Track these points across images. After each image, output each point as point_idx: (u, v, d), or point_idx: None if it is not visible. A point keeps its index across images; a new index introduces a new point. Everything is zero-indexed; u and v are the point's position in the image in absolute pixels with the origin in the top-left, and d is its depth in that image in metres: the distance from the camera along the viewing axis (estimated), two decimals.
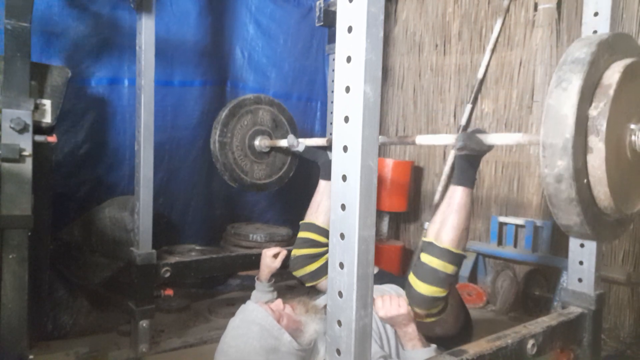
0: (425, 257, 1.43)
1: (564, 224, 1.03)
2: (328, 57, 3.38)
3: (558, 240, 2.89)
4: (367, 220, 0.83)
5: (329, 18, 2.71)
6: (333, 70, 1.48)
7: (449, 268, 1.40)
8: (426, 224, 3.46)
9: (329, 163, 1.97)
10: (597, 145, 0.96)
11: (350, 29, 0.83)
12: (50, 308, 2.25)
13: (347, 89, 0.84)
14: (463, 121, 3.34)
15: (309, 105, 3.68)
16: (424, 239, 1.48)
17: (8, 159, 1.66)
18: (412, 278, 1.45)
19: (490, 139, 1.38)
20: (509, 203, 3.18)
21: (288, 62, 3.52)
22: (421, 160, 3.69)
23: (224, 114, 2.41)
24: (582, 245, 1.56)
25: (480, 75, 3.27)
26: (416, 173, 3.65)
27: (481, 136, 1.37)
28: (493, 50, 3.23)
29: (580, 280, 1.57)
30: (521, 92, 3.12)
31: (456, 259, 1.42)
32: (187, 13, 3.03)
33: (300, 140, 2.27)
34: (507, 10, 3.18)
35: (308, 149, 2.22)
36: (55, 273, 2.36)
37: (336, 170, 0.86)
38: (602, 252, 1.61)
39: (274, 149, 2.58)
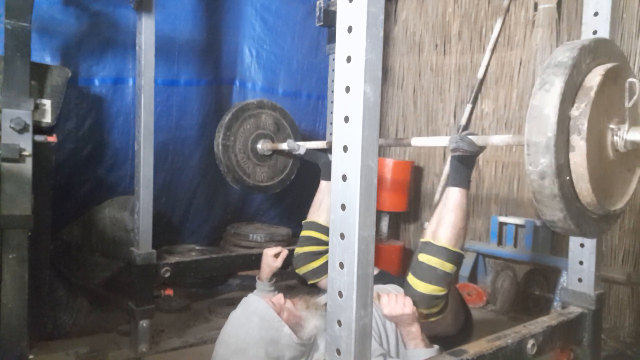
0: (423, 257, 1.44)
1: (549, 220, 1.06)
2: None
3: (558, 240, 2.89)
4: (367, 220, 0.83)
5: (329, 18, 2.71)
6: (333, 70, 1.48)
7: (447, 266, 1.41)
8: (426, 224, 3.44)
9: (329, 164, 1.99)
10: (579, 144, 1.00)
11: (350, 29, 0.83)
12: (50, 308, 2.25)
13: (347, 89, 0.84)
14: (463, 121, 3.34)
15: (320, 103, 3.64)
16: (421, 240, 1.50)
17: (8, 159, 1.67)
18: (410, 278, 1.46)
19: (482, 140, 1.42)
20: (509, 203, 3.18)
21: (296, 60, 3.48)
22: (421, 160, 3.69)
23: (227, 117, 2.45)
24: (582, 245, 1.56)
25: (480, 75, 3.27)
26: (416, 173, 3.65)
27: (473, 137, 1.42)
28: (493, 50, 3.23)
29: (580, 280, 1.57)
30: (521, 92, 3.12)
31: (454, 257, 1.43)
32: (192, 11, 3.00)
33: (301, 143, 2.33)
34: (507, 10, 3.18)
35: (309, 151, 2.27)
36: (55, 273, 2.36)
37: (336, 170, 0.86)
38: (602, 252, 1.61)
39: (276, 152, 2.61)
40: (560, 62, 1.01)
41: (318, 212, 2.04)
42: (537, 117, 0.99)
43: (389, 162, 3.36)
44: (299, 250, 2.01)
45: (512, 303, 2.92)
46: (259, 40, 3.33)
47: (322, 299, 1.66)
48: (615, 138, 1.08)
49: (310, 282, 2.00)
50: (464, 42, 3.42)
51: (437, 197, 3.44)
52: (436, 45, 3.60)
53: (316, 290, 2.02)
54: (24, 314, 1.71)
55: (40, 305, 2.12)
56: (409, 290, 1.46)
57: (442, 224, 1.45)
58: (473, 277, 3.15)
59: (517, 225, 3.05)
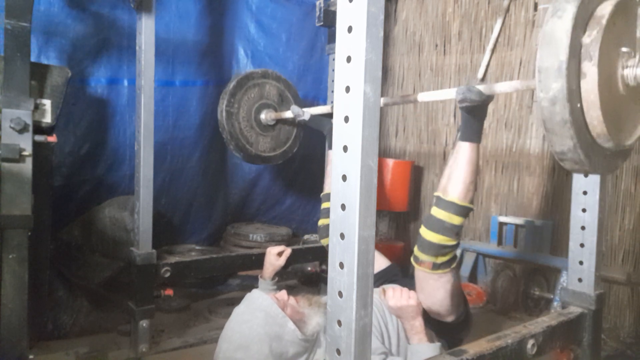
0: (434, 210, 1.50)
1: (558, 150, 1.06)
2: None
3: (558, 240, 2.89)
4: (367, 220, 0.83)
5: (329, 18, 2.71)
6: (333, 70, 1.48)
7: (454, 219, 1.46)
8: None
9: None
10: (591, 70, 1.00)
11: (350, 29, 0.83)
12: (50, 308, 2.25)
13: (347, 89, 0.84)
14: None
15: (315, 104, 3.65)
16: (434, 194, 1.55)
17: (8, 159, 1.67)
18: (422, 229, 1.51)
19: (490, 88, 1.43)
20: (509, 203, 3.18)
21: (292, 61, 3.51)
22: (421, 160, 3.69)
23: (231, 85, 2.46)
24: (582, 245, 1.56)
25: (480, 75, 3.27)
26: (416, 173, 3.65)
27: (480, 86, 1.43)
28: (493, 50, 3.23)
29: (580, 280, 1.57)
30: (521, 92, 3.12)
31: (462, 211, 1.47)
32: (188, 13, 3.02)
33: (305, 109, 2.30)
34: (507, 10, 3.17)
35: (313, 117, 2.25)
36: (55, 273, 2.36)
37: (336, 170, 0.86)
38: (602, 252, 1.61)
39: (280, 122, 2.62)
40: None
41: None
42: (549, 42, 0.99)
43: (389, 162, 3.36)
44: (322, 222, 2.11)
45: (512, 303, 2.92)
46: (253, 42, 3.35)
47: (324, 297, 1.67)
48: (626, 71, 1.08)
49: None
50: (464, 42, 3.42)
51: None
52: (436, 45, 3.60)
53: (316, 289, 2.03)
54: (24, 314, 1.71)
55: (40, 305, 2.12)
56: (419, 240, 1.50)
57: (452, 178, 1.48)
58: (473, 277, 3.15)
59: (517, 225, 3.05)
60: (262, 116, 2.55)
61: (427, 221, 1.51)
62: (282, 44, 3.46)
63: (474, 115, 1.48)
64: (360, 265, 0.83)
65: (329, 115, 2.21)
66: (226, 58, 3.26)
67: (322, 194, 2.20)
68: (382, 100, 1.74)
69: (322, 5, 2.74)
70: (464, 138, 1.49)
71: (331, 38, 2.96)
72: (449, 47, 3.52)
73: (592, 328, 1.54)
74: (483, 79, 3.28)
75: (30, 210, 1.72)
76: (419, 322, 1.49)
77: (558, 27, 0.99)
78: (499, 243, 3.12)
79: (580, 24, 1.01)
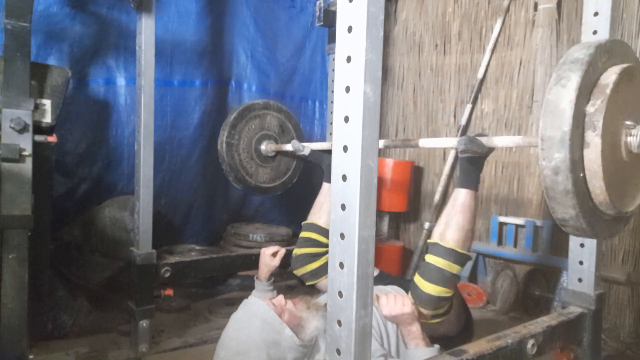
0: (430, 258, 1.45)
1: (560, 218, 1.05)
2: (328, 57, 3.39)
3: (558, 240, 2.89)
4: (367, 220, 0.83)
5: (329, 18, 2.71)
6: (333, 70, 1.48)
7: (454, 268, 1.42)
8: (426, 224, 3.46)
9: None
10: (594, 140, 0.99)
11: (350, 29, 0.83)
12: (50, 308, 2.25)
13: (347, 89, 0.84)
14: (463, 121, 3.34)
15: (302, 104, 3.69)
16: (428, 241, 1.50)
17: (8, 159, 1.67)
18: (417, 279, 1.46)
19: (492, 141, 1.41)
20: (509, 203, 3.18)
21: (281, 63, 3.55)
22: (421, 160, 3.69)
23: (232, 116, 2.45)
24: (582, 245, 1.56)
25: (480, 75, 3.27)
26: (416, 173, 3.65)
27: (482, 139, 1.41)
28: (493, 50, 3.23)
29: (580, 280, 1.57)
30: (521, 92, 3.12)
31: (461, 259, 1.43)
32: (187, 13, 3.02)
33: (305, 144, 2.30)
34: (507, 10, 3.18)
35: (313, 152, 2.23)
36: (55, 273, 2.36)
37: (336, 170, 0.86)
38: (602, 252, 1.61)
39: (280, 154, 2.61)
40: (577, 58, 1.01)
41: (319, 213, 2.03)
42: (553, 111, 0.99)
43: (389, 162, 3.36)
44: (297, 251, 1.99)
45: (512, 303, 2.92)
46: (252, 42, 3.37)
47: (322, 299, 1.66)
48: (630, 138, 1.07)
49: (308, 283, 1.99)
50: (464, 42, 3.42)
51: (437, 197, 3.44)
52: (436, 45, 3.60)
53: (316, 290, 2.02)
54: (24, 314, 1.71)
55: (40, 305, 2.12)
56: (415, 292, 1.45)
57: (450, 225, 1.44)
58: (473, 277, 3.15)
59: (517, 225, 3.05)
60: (263, 147, 2.54)
61: (424, 271, 1.45)
62: (274, 45, 3.49)
63: (474, 165, 1.47)
64: (360, 265, 0.83)
65: (329, 151, 2.20)
66: (226, 58, 3.27)
67: (304, 222, 2.08)
68: (382, 143, 1.73)
69: (322, 5, 2.74)
70: (462, 185, 1.48)
71: (331, 38, 2.96)
72: (449, 47, 3.52)
73: (592, 328, 1.54)
74: (483, 79, 3.28)
75: (30, 210, 1.72)
76: (415, 327, 1.45)
77: (562, 96, 0.98)
78: (499, 243, 3.11)
79: (584, 92, 1.00)
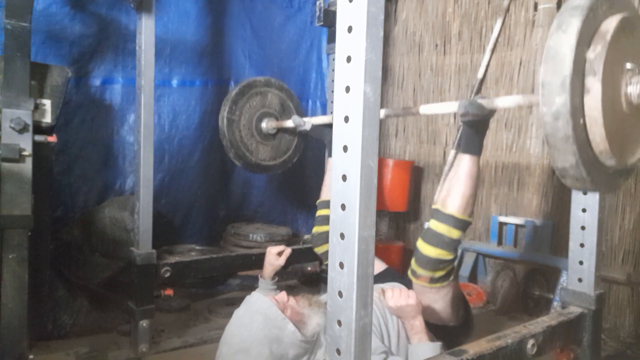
0: (432, 223, 1.50)
1: (560, 166, 1.05)
2: (328, 57, 3.39)
3: (558, 240, 2.89)
4: (367, 220, 0.83)
5: (329, 18, 2.71)
6: (333, 70, 1.48)
7: (453, 233, 1.46)
8: (426, 224, 3.45)
9: None
10: (595, 86, 0.99)
11: (350, 29, 0.83)
12: (50, 308, 2.25)
13: (347, 89, 0.84)
14: None
15: (301, 104, 3.68)
16: (432, 206, 1.54)
17: (8, 159, 1.67)
18: (419, 242, 1.51)
19: (493, 102, 1.42)
20: (509, 203, 3.18)
21: (276, 63, 3.56)
22: (421, 160, 3.69)
23: (234, 92, 2.45)
24: (582, 245, 1.56)
25: (480, 75, 3.27)
26: (416, 173, 3.65)
27: (483, 101, 1.42)
28: (493, 50, 3.23)
29: (580, 280, 1.57)
30: (521, 92, 3.11)
31: (461, 225, 1.47)
32: (186, 13, 3.03)
33: (307, 119, 2.28)
34: (507, 10, 3.17)
35: (314, 127, 2.23)
36: (55, 273, 2.36)
37: (336, 170, 0.86)
38: (602, 252, 1.61)
39: (281, 132, 2.61)
40: (577, 5, 1.01)
41: (330, 190, 2.05)
42: (553, 56, 0.98)
43: (389, 162, 3.36)
44: (316, 229, 2.07)
45: (512, 303, 2.92)
46: (250, 42, 3.38)
47: (324, 297, 1.67)
48: (630, 89, 1.07)
49: (326, 262, 2.01)
50: (464, 42, 3.42)
51: (436, 197, 3.44)
52: (436, 45, 3.60)
53: (316, 289, 2.03)
54: (24, 314, 1.71)
55: (40, 305, 2.12)
56: (417, 254, 1.50)
57: (451, 192, 1.48)
58: (473, 277, 3.15)
59: (517, 225, 3.05)
60: (263, 125, 2.54)
61: (425, 235, 1.50)
62: (268, 45, 3.50)
63: (475, 128, 1.48)
64: (360, 265, 0.83)
65: (330, 125, 2.20)
66: (225, 58, 3.27)
67: (318, 201, 2.16)
68: (384, 112, 1.74)
69: (322, 5, 2.74)
70: (464, 150, 1.49)
71: (331, 38, 2.96)
72: (449, 47, 3.52)
73: (592, 328, 1.54)
74: (483, 79, 3.28)
75: (30, 210, 1.72)
76: (419, 322, 1.50)
77: (562, 41, 0.98)
78: (499, 243, 3.12)
79: (585, 39, 1.00)
